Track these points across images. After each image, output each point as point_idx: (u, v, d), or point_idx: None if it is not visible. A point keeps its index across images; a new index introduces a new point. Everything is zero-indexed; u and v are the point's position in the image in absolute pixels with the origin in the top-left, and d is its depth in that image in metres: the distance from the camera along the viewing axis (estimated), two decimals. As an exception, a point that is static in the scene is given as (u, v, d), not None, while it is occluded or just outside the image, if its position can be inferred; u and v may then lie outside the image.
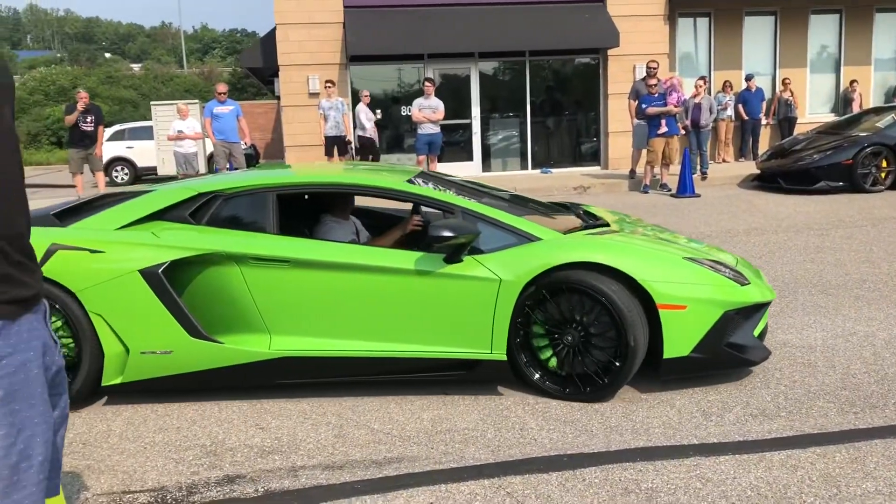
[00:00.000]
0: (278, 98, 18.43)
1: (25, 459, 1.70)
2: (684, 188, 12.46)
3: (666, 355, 3.98)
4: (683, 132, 13.68)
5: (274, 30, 15.94)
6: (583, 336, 4.03)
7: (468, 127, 16.53)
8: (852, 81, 17.30)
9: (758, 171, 13.55)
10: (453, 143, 16.35)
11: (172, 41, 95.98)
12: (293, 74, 15.65)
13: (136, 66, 67.85)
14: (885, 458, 3.31)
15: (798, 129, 16.11)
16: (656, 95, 12.71)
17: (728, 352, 4.07)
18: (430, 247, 4.03)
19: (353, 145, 14.42)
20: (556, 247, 4.07)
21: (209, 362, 4.12)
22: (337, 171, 4.88)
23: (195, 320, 4.08)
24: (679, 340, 3.97)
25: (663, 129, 12.62)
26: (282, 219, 4.52)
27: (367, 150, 14.12)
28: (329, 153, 13.93)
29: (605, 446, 3.55)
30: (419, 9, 15.74)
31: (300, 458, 3.55)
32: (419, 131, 13.54)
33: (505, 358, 4.08)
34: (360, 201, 5.31)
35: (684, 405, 3.98)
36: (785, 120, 16.89)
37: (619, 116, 16.04)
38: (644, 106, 12.78)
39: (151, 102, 22.01)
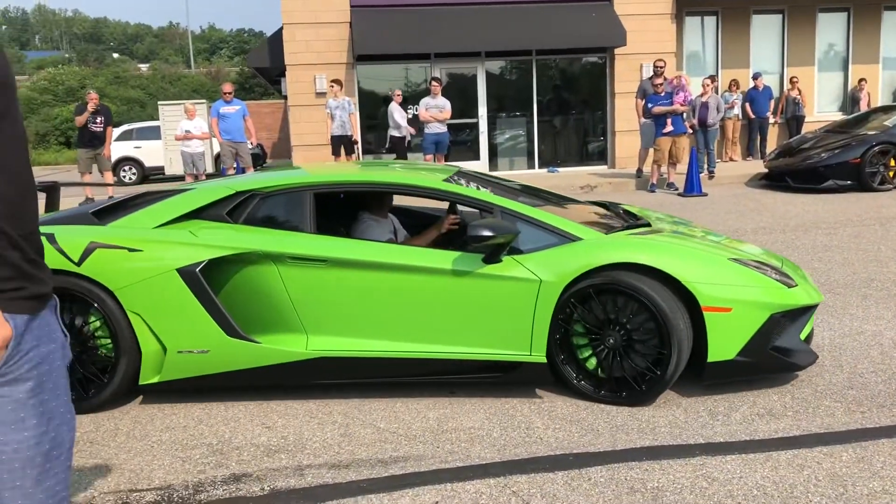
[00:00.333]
0: (285, 98, 18.45)
1: (57, 447, 1.78)
2: (692, 187, 12.44)
3: (710, 359, 3.89)
4: (691, 131, 13.65)
5: (281, 30, 15.96)
6: (625, 339, 3.94)
7: (475, 126, 16.52)
8: (860, 80, 17.23)
9: (766, 170, 13.50)
10: (460, 143, 16.35)
11: (180, 41, 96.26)
12: (300, 74, 15.67)
13: (143, 67, 68.07)
14: (891, 458, 3.30)
15: (806, 128, 16.07)
16: (663, 94, 12.69)
17: (774, 356, 3.97)
18: (467, 246, 3.98)
19: (359, 145, 14.42)
20: (597, 247, 3.99)
21: (246, 362, 4.10)
22: (374, 170, 4.84)
23: (232, 320, 4.07)
24: (724, 344, 3.88)
25: (669, 128, 12.60)
26: (318, 217, 4.48)
27: (398, 150, 14.04)
28: (336, 153, 13.94)
29: (610, 445, 3.55)
30: (426, 8, 15.74)
31: (306, 457, 3.56)
32: (426, 131, 13.54)
33: (545, 360, 4.00)
34: (397, 200, 5.31)
35: (690, 404, 3.97)
36: (793, 118, 16.83)
37: (625, 115, 16.01)
38: (650, 105, 12.76)
39: (159, 102, 22.09)
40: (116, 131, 20.90)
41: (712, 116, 13.75)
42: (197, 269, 4.03)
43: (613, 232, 4.30)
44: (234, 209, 4.34)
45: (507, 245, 3.96)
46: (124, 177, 21.78)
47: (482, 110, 16.50)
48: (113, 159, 18.79)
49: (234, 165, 13.80)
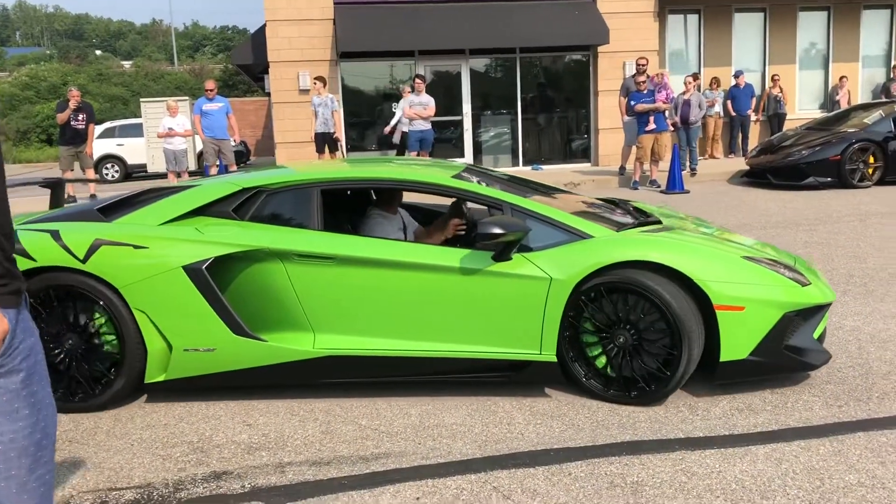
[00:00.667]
0: (269, 95, 18.38)
1: (46, 437, 1.86)
2: (673, 184, 12.51)
3: (723, 358, 3.84)
4: (672, 129, 13.72)
5: (264, 26, 15.90)
6: (635, 338, 3.89)
7: (459, 124, 16.53)
8: (841, 78, 17.38)
9: (747, 168, 13.60)
10: (444, 140, 16.35)
11: (163, 38, 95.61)
12: (283, 71, 15.62)
13: (126, 64, 67.54)
14: (867, 451, 3.34)
15: (787, 125, 16.19)
16: (645, 92, 12.74)
17: (787, 355, 3.93)
18: (476, 244, 3.93)
19: (342, 142, 14.39)
20: (609, 245, 3.94)
21: (252, 360, 4.07)
22: (382, 167, 4.79)
23: (238, 317, 4.03)
24: (737, 343, 3.83)
25: (651, 125, 12.67)
26: (325, 214, 4.42)
27: (406, 147, 14.01)
28: (320, 150, 13.90)
29: (591, 440, 3.57)
30: (410, 5, 15.72)
31: (287, 455, 3.56)
32: (410, 128, 13.53)
33: (555, 359, 3.96)
34: (406, 197, 5.27)
35: (671, 399, 4.00)
36: (774, 116, 16.96)
37: (609, 113, 16.06)
38: (633, 103, 12.82)
39: (141, 100, 21.95)
40: (99, 129, 20.74)
41: (694, 114, 13.83)
42: (203, 267, 3.99)
43: (625, 229, 4.25)
44: (240, 206, 4.29)
45: (517, 243, 3.92)
46: (107, 174, 21.63)
47: (466, 108, 16.51)
48: (95, 157, 18.69)
49: (217, 163, 13.73)
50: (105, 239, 4.06)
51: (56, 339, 4.12)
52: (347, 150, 15.93)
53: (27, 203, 10.39)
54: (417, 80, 13.66)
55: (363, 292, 4.05)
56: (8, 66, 58.90)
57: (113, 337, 4.10)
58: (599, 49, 16.31)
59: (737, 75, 16.76)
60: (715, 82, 16.75)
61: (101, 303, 4.03)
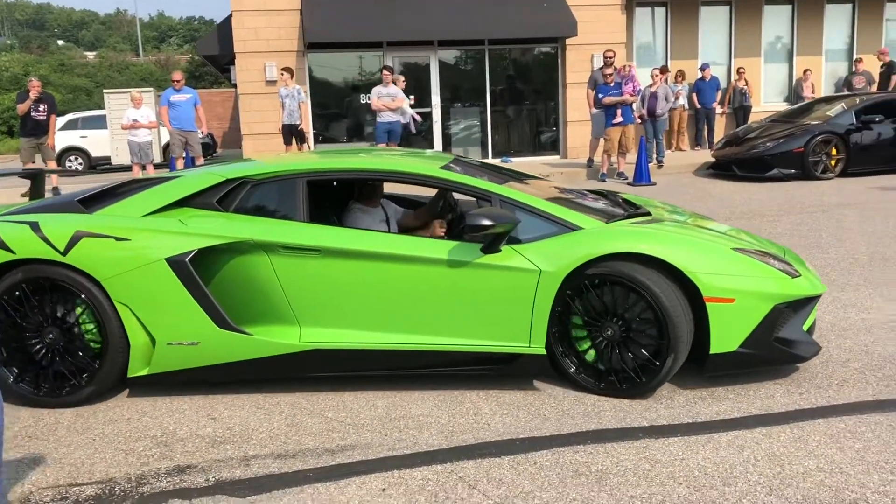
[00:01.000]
0: (235, 86, 18.19)
1: (1, 434, 1.85)
2: (640, 176, 12.60)
3: (713, 350, 3.82)
4: (639, 121, 13.82)
5: (230, 17, 15.72)
6: (623, 331, 3.87)
7: (428, 115, 16.48)
8: (805, 71, 17.62)
9: (713, 160, 13.75)
10: (413, 132, 16.28)
11: (128, 29, 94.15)
12: (250, 62, 15.46)
13: (90, 54, 66.44)
14: (826, 437, 3.39)
15: (752, 118, 16.38)
16: (612, 85, 12.82)
17: (777, 347, 3.91)
18: (465, 235, 3.90)
19: (309, 134, 14.29)
20: (598, 236, 3.91)
21: (237, 354, 4.00)
22: (369, 157, 4.73)
23: (223, 311, 3.96)
24: (727, 335, 3.81)
25: (619, 118, 12.75)
26: (311, 206, 4.33)
27: (403, 138, 13.86)
28: (287, 142, 13.80)
29: (557, 430, 3.59)
30: (377, -4, 15.63)
31: (252, 448, 3.53)
32: (378, 119, 13.48)
33: (544, 352, 3.93)
34: (392, 188, 5.19)
35: (635, 389, 4.03)
36: (740, 108, 17.16)
37: (577, 106, 16.13)
38: (600, 95, 12.88)
39: (104, 91, 21.59)
40: (61, 120, 20.41)
41: (661, 106, 13.93)
42: (186, 259, 3.92)
43: (614, 221, 4.23)
44: (224, 197, 4.21)
45: (507, 234, 3.88)
46: (70, 167, 21.27)
47: (435, 99, 16.47)
48: (58, 149, 18.35)
49: (184, 155, 13.58)
50: (86, 231, 3.97)
51: (36, 333, 4.04)
52: (315, 143, 15.82)
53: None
54: (385, 72, 13.60)
55: (350, 285, 4.00)
56: (-33, 56, 57.56)
57: (95, 330, 4.02)
58: (568, 42, 16.36)
59: (703, 68, 16.91)
60: (680, 75, 16.90)
61: (83, 296, 3.96)
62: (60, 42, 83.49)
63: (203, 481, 3.22)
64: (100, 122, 21.27)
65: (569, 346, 4.00)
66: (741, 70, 17.20)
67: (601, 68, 13.51)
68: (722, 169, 13.29)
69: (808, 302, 4.06)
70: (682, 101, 16.77)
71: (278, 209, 4.21)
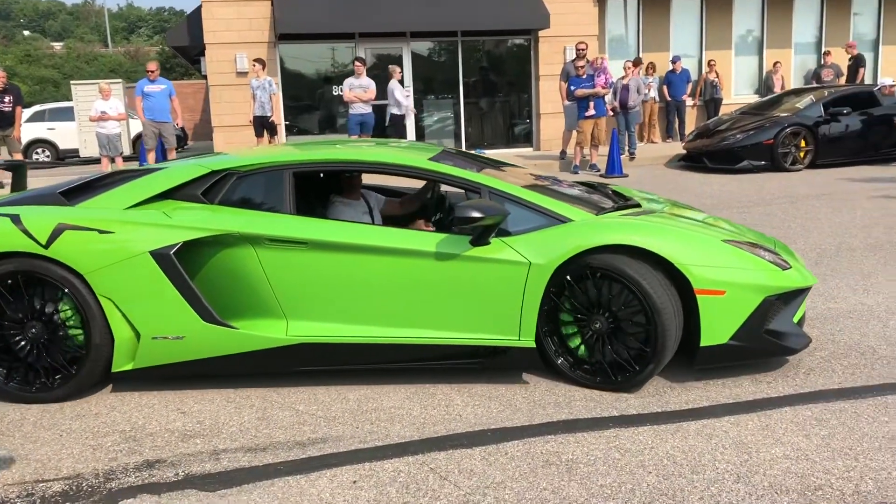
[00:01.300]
0: (206, 77, 18.00)
1: None
2: (613, 168, 12.67)
3: (703, 343, 3.81)
4: (611, 113, 13.88)
5: (200, 7, 15.53)
6: (612, 323, 3.85)
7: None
8: (775, 63, 17.79)
9: (684, 152, 13.85)
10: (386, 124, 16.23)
11: (96, 19, 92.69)
12: (220, 53, 15.29)
13: (57, 45, 65.36)
14: (793, 425, 3.44)
15: (723, 110, 16.52)
16: (585, 77, 12.85)
17: (767, 339, 3.90)
18: (453, 227, 3.87)
19: (281, 126, 14.17)
20: (588, 228, 3.88)
21: (223, 348, 3.95)
22: (356, 149, 4.64)
23: (208, 304, 3.91)
24: (717, 327, 3.79)
25: (591, 111, 12.79)
26: (298, 198, 4.27)
27: (398, 128, 13.81)
28: (259, 134, 13.68)
29: (528, 420, 3.60)
30: (349, -13, 15.53)
31: (222, 442, 3.51)
32: (351, 111, 13.41)
33: (534, 345, 3.91)
34: (380, 180, 5.13)
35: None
36: (711, 101, 17.30)
37: (550, 98, 16.16)
38: (573, 88, 12.92)
39: (72, 82, 21.24)
40: (28, 112, 20.07)
41: (633, 99, 14.01)
42: (171, 252, 3.85)
43: (604, 213, 4.20)
44: (209, 189, 4.15)
45: (496, 227, 3.85)
46: (37, 159, 20.92)
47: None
48: (24, 141, 18.04)
49: (156, 147, 13.45)
50: (68, 223, 3.90)
51: (18, 328, 3.97)
52: (288, 134, 15.71)
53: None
54: (357, 63, 13.52)
55: (338, 278, 3.96)
56: (-70, 46, 56.41)
57: (78, 325, 3.96)
58: (540, 34, 16.37)
59: (673, 61, 17.02)
60: (651, 67, 16.99)
61: (66, 290, 3.89)
62: (26, 32, 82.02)
63: (172, 476, 3.20)
64: (67, 114, 20.92)
65: (560, 342, 3.99)
66: (712, 62, 17.34)
67: (573, 60, 13.53)
68: (693, 161, 13.40)
69: (799, 294, 4.05)
70: (653, 93, 16.88)
71: (264, 201, 4.14)
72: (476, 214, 3.72)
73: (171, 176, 4.20)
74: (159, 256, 3.86)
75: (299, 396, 3.99)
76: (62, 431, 3.67)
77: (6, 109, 12.90)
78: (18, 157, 13.39)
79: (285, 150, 4.59)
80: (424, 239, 3.94)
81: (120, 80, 20.78)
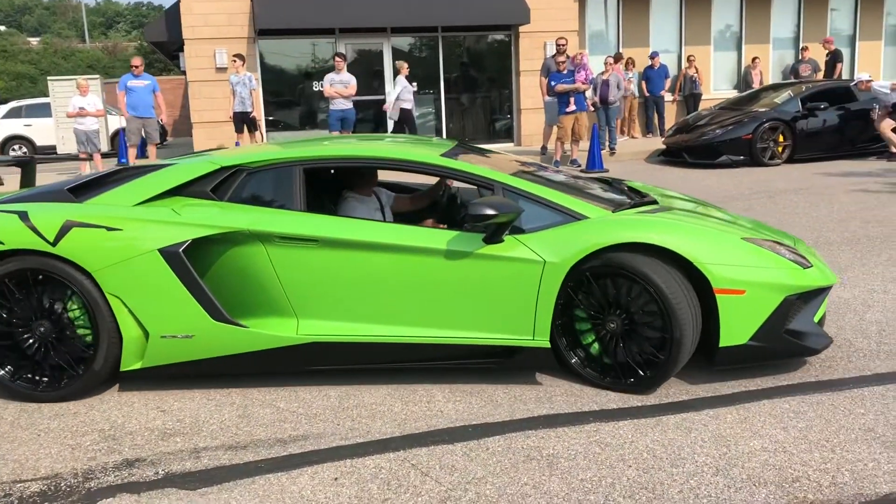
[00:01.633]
0: (185, 73, 17.86)
1: None
2: (593, 163, 12.72)
3: (722, 343, 3.72)
4: (592, 108, 13.93)
5: (179, 2, 15.40)
6: (627, 324, 3.76)
7: (382, 103, 16.38)
8: (754, 59, 17.92)
9: (664, 147, 13.93)
10: (367, 120, 16.20)
11: (73, 14, 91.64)
12: (199, 48, 15.18)
13: (33, 40, 64.58)
14: (771, 418, 3.48)
15: (702, 105, 16.63)
16: (565, 73, 12.89)
17: (788, 339, 3.82)
18: (465, 225, 3.81)
19: (261, 122, 14.11)
20: (605, 226, 3.79)
21: (233, 347, 3.89)
22: (368, 145, 4.57)
23: (218, 303, 3.84)
24: (736, 328, 3.71)
25: (572, 106, 12.83)
26: (308, 195, 4.19)
27: (408, 122, 13.73)
28: (239, 130, 13.60)
29: (509, 415, 3.61)
30: (329, -18, 15.46)
31: (203, 440, 3.49)
32: (331, 107, 13.38)
33: (548, 345, 3.82)
34: (391, 177, 5.05)
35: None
36: (690, 96, 17.40)
37: (530, 93, 16.19)
38: (553, 83, 12.95)
39: (48, 78, 21.00)
40: (4, 108, 19.85)
41: (613, 94, 14.06)
42: (180, 250, 3.79)
43: (621, 210, 4.10)
44: (218, 185, 4.08)
45: (510, 224, 3.77)
46: (14, 156, 20.70)
47: (389, 87, 16.35)
48: (1, 138, 17.86)
49: (138, 143, 13.39)
50: (76, 220, 3.84)
51: (26, 326, 3.93)
52: (267, 130, 15.62)
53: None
54: (337, 59, 13.48)
55: (349, 276, 3.89)
56: None
57: (86, 324, 3.91)
58: (521, 29, 16.39)
59: (652, 56, 17.10)
60: (630, 63, 17.06)
61: (74, 288, 3.84)
62: (2, 27, 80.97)
63: (152, 474, 3.18)
64: (44, 111, 20.70)
65: (573, 339, 3.91)
66: (691, 58, 17.44)
67: (554, 56, 13.57)
68: (673, 156, 13.48)
69: (820, 293, 3.97)
70: (633, 88, 16.95)
71: (275, 198, 4.07)
72: (489, 212, 3.65)
73: (181, 172, 4.13)
74: (168, 254, 3.80)
75: (280, 394, 3.98)
76: (40, 431, 3.64)
77: (-19, 106, 12.75)
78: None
79: (297, 145, 4.50)
80: (436, 236, 3.87)
81: (98, 76, 20.58)
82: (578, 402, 3.72)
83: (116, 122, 19.91)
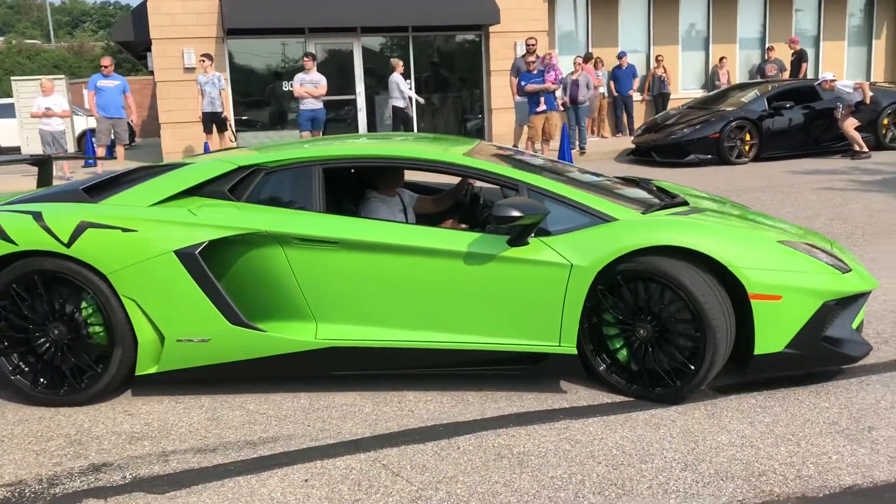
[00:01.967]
0: (152, 73, 17.65)
1: None
2: (564, 163, 12.77)
3: (757, 351, 3.58)
4: (562, 108, 14.01)
5: (146, 1, 15.22)
6: (658, 332, 3.62)
7: (353, 103, 16.34)
8: (721, 58, 18.13)
9: (633, 146, 14.04)
10: (338, 120, 16.13)
11: (38, 13, 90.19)
12: (167, 48, 15.02)
13: (-3, 40, 63.41)
14: (738, 413, 3.52)
15: (671, 105, 16.79)
16: (535, 73, 12.94)
17: (825, 347, 3.67)
18: (488, 226, 3.74)
19: (231, 122, 14.01)
20: (634, 228, 3.65)
21: (250, 352, 3.80)
22: (389, 143, 4.45)
23: (235, 306, 3.76)
24: (772, 335, 3.57)
25: (542, 106, 12.90)
26: (328, 195, 4.09)
27: (402, 121, 13.65)
28: (208, 130, 13.49)
29: (480, 414, 3.62)
30: (298, -18, 15.37)
31: (171, 443, 3.45)
32: (301, 107, 13.31)
33: (575, 351, 3.69)
34: (410, 176, 4.95)
35: (556, 370, 4.05)
36: (659, 96, 17.56)
37: (501, 93, 16.23)
38: (523, 83, 13.00)
39: (12, 78, 20.65)
40: (-34, 109, 19.48)
41: (582, 94, 14.15)
42: (196, 251, 3.71)
43: (651, 211, 3.97)
44: (236, 185, 4.00)
45: (535, 226, 3.65)
46: (-23, 158, 20.35)
47: (359, 87, 16.32)
48: (-37, 139, 17.53)
49: (108, 143, 13.24)
50: (91, 221, 3.76)
51: (40, 329, 3.85)
52: (237, 130, 15.50)
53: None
54: (306, 58, 13.42)
55: (369, 279, 3.79)
56: None
57: (101, 327, 3.83)
58: (491, 29, 16.42)
59: (620, 56, 17.24)
60: (599, 62, 17.18)
61: (88, 290, 3.76)
62: (-36, 27, 79.51)
63: (119, 479, 3.14)
64: (8, 111, 20.35)
65: (600, 345, 3.78)
66: (660, 58, 17.60)
67: (524, 56, 13.62)
68: (642, 155, 13.59)
69: (858, 298, 3.84)
70: (602, 88, 17.07)
71: (293, 198, 3.99)
72: (514, 213, 3.53)
73: (197, 172, 4.06)
74: (184, 256, 3.72)
75: (250, 396, 3.95)
76: (3, 437, 3.58)
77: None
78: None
79: (316, 144, 4.41)
80: (460, 239, 3.75)
81: (63, 76, 20.26)
82: (549, 401, 3.74)
83: (83, 122, 19.64)
